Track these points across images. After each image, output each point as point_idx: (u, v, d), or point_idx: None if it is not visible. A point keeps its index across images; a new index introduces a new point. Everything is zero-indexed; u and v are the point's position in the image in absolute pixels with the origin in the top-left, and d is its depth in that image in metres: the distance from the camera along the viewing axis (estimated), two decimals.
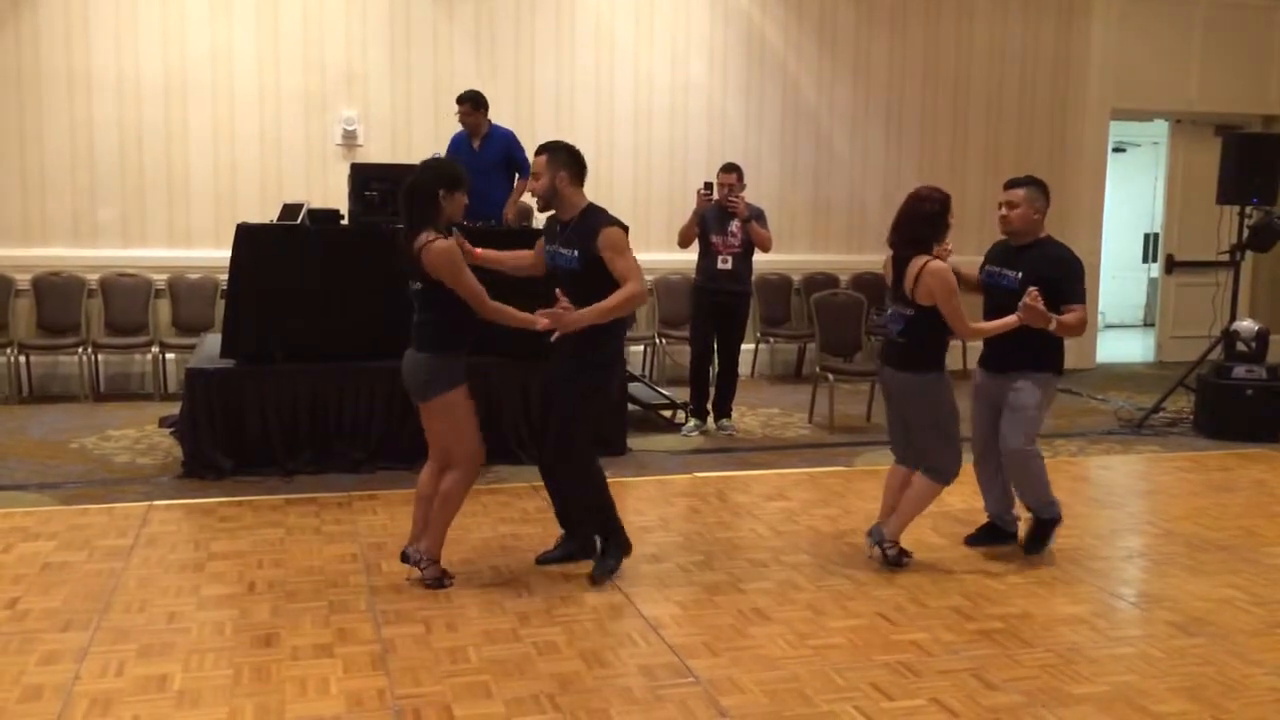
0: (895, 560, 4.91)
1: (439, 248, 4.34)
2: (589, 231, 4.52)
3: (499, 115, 8.19)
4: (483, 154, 7.76)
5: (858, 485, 6.39)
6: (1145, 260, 14.01)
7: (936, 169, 10.10)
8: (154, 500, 5.82)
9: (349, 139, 9.03)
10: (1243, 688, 3.82)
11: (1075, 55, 10.78)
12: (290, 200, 7.17)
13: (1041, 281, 4.79)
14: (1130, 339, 13.08)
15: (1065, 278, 4.88)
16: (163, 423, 7.33)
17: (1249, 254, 8.65)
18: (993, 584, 4.79)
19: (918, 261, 4.72)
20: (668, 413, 7.95)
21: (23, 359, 8.46)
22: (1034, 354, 4.93)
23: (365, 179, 6.72)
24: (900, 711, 3.59)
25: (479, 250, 4.78)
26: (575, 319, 4.46)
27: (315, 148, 9.01)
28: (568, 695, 3.65)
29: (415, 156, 6.99)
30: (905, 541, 4.99)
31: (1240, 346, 7.97)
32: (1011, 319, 4.76)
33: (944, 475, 4.87)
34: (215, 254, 8.20)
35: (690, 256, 7.78)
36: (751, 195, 7.77)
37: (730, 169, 7.56)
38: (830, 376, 7.98)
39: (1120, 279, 13.75)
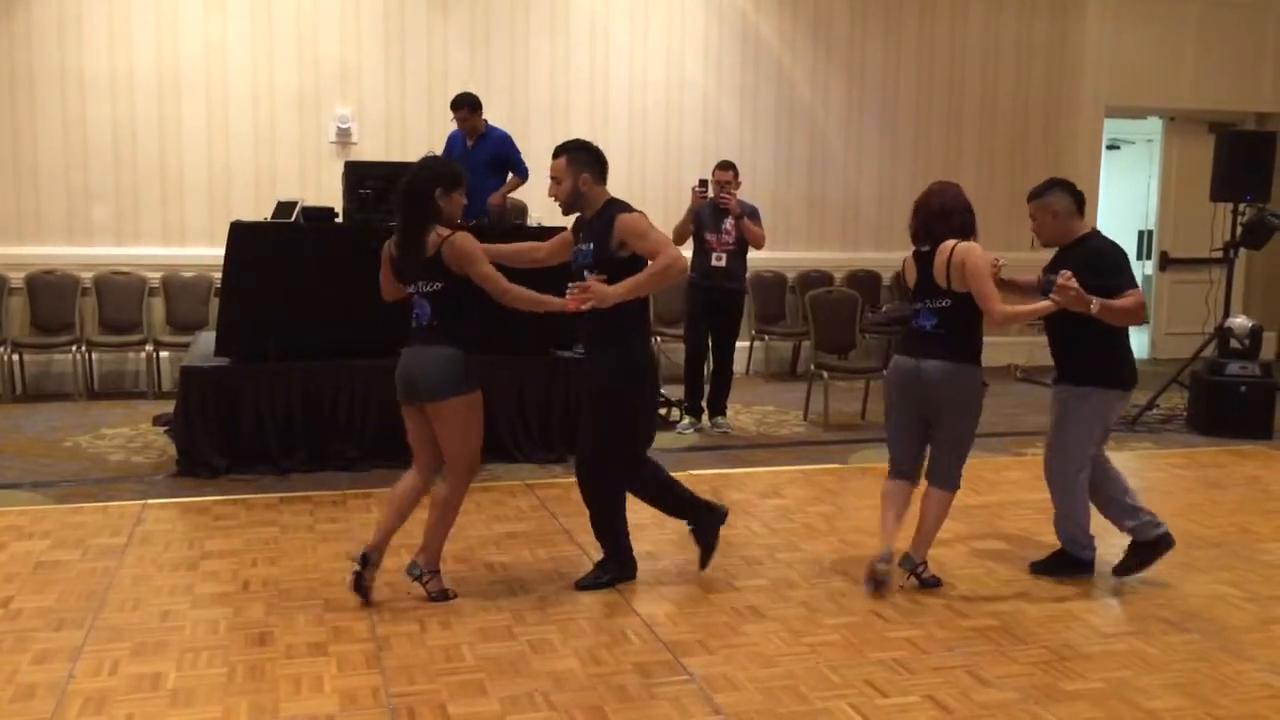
0: (934, 582, 4.71)
1: (462, 239, 4.26)
2: (605, 223, 4.39)
3: (492, 113, 8.18)
4: (475, 152, 7.75)
5: (852, 483, 6.39)
6: (1139, 257, 13.94)
7: (931, 166, 10.11)
8: (148, 499, 5.82)
9: (343, 137, 9.02)
10: (1236, 684, 3.83)
11: (1069, 52, 10.80)
12: (285, 198, 7.16)
13: (1081, 279, 4.51)
14: None
15: (1103, 270, 4.61)
16: (157, 421, 7.31)
17: (1242, 251, 8.67)
18: (986, 581, 4.80)
19: (946, 246, 4.54)
20: (663, 410, 7.95)
21: (16, 357, 8.46)
22: (1079, 365, 4.70)
23: (360, 177, 6.72)
24: (894, 708, 3.59)
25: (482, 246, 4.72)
26: (610, 292, 4.25)
27: (309, 145, 9.00)
28: (563, 693, 3.65)
29: (410, 154, 6.97)
30: (901, 540, 4.95)
31: (1234, 343, 8.00)
32: (1046, 303, 4.52)
33: (957, 482, 4.70)
34: (209, 252, 8.19)
35: (685, 254, 7.75)
36: (746, 193, 7.78)
37: (726, 166, 7.57)
38: (825, 374, 7.98)
39: None
